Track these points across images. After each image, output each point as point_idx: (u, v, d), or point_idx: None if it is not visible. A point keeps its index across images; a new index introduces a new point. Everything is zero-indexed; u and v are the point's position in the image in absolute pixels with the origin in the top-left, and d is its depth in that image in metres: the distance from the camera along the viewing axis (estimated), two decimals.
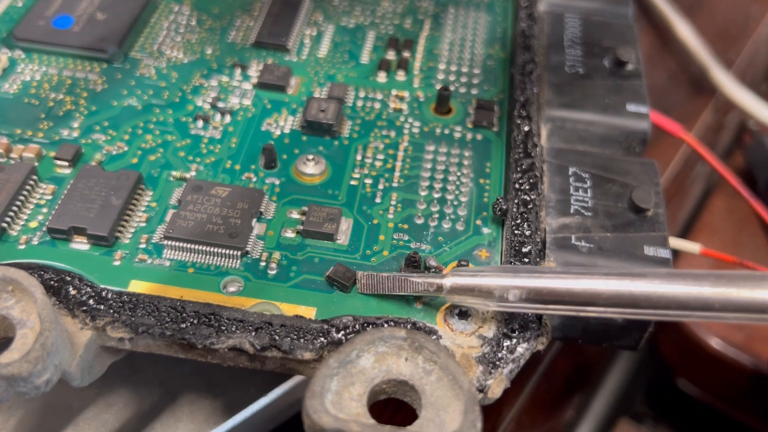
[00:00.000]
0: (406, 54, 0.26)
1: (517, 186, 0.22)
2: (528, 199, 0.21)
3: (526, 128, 0.23)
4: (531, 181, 0.22)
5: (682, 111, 0.35)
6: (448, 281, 0.18)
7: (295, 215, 0.21)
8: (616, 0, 0.29)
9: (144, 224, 0.20)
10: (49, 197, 0.21)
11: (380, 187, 0.22)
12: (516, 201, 0.21)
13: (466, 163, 0.23)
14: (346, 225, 0.21)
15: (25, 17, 0.26)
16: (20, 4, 0.27)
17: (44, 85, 0.24)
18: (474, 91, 0.25)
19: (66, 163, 0.21)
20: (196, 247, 0.20)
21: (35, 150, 0.22)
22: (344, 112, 0.24)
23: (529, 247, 0.20)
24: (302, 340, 0.18)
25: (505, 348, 0.19)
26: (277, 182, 0.22)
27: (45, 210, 0.20)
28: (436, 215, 0.21)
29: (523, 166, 0.22)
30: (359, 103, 0.25)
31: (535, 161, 0.22)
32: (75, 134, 0.23)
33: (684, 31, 0.37)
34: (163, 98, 0.24)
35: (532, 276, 0.18)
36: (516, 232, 0.21)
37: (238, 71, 0.25)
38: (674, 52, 0.37)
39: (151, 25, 0.26)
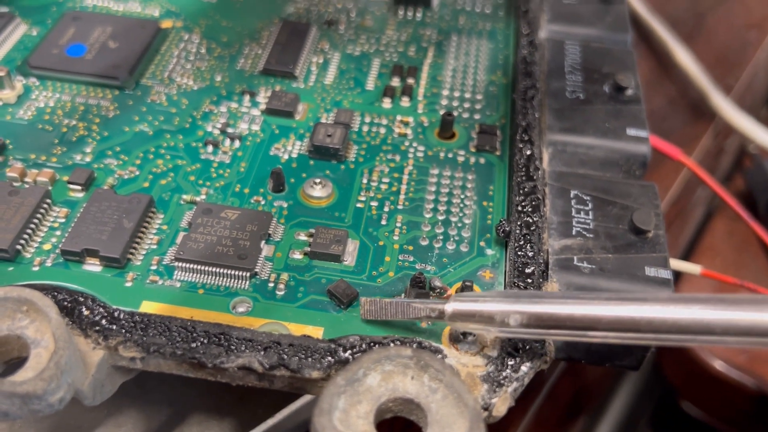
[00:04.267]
0: (410, 81, 0.27)
1: (519, 208, 0.22)
2: (530, 221, 0.22)
3: (528, 152, 0.24)
4: (533, 203, 0.22)
5: (683, 135, 0.36)
6: (449, 307, 0.18)
7: (302, 237, 0.22)
8: (615, 27, 0.30)
9: (155, 246, 0.21)
10: (63, 220, 0.21)
11: (386, 209, 0.23)
12: (519, 223, 0.22)
13: (469, 186, 0.23)
14: (352, 246, 0.21)
15: (40, 46, 0.26)
16: (35, 33, 0.28)
17: (58, 112, 0.25)
18: (477, 116, 0.26)
19: (79, 187, 0.22)
20: (206, 268, 0.20)
21: (49, 174, 0.22)
22: (350, 137, 0.25)
23: (531, 268, 0.21)
24: (310, 359, 0.18)
25: (509, 367, 0.19)
26: (285, 205, 0.22)
27: (58, 232, 0.21)
28: (441, 237, 0.22)
29: (526, 189, 0.23)
30: (365, 128, 0.25)
31: (537, 184, 0.23)
32: (88, 159, 0.23)
33: (683, 57, 0.38)
34: (173, 124, 0.25)
35: (533, 302, 0.18)
36: (519, 253, 0.21)
37: (246, 98, 0.26)
38: (674, 77, 0.38)
39: (162, 53, 0.27)
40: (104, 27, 0.27)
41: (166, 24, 0.28)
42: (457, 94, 0.27)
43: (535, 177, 0.23)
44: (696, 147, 0.36)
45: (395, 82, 0.27)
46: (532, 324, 0.18)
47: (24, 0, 0.29)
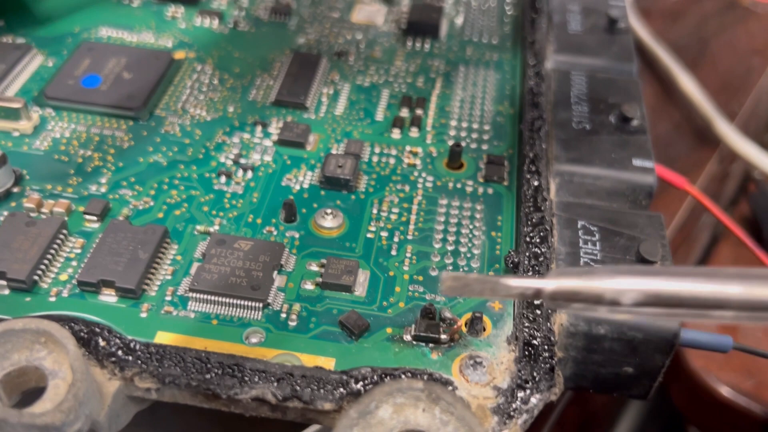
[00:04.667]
0: (419, 111, 0.27)
1: (528, 239, 0.22)
2: (539, 252, 0.22)
3: (536, 183, 0.24)
4: (541, 234, 0.22)
5: (688, 161, 0.36)
6: (551, 285, 0.16)
7: (314, 267, 0.22)
8: (621, 57, 0.31)
9: (170, 277, 0.21)
10: (79, 251, 0.22)
11: (396, 239, 0.23)
12: (527, 254, 0.22)
13: (478, 216, 0.24)
14: (363, 277, 0.22)
15: (56, 77, 0.27)
16: (51, 64, 0.28)
17: (73, 142, 0.25)
18: (485, 147, 0.26)
19: (95, 218, 0.22)
20: (220, 299, 0.21)
21: (65, 205, 0.23)
22: (360, 168, 0.25)
23: (541, 300, 0.21)
24: (322, 391, 0.19)
25: (519, 399, 0.19)
26: (297, 236, 0.23)
27: (74, 263, 0.21)
28: (450, 267, 0.22)
29: (534, 220, 0.23)
30: (375, 159, 0.26)
31: (545, 215, 0.23)
32: (103, 190, 0.24)
33: (687, 83, 0.38)
34: (187, 155, 0.25)
35: (650, 276, 0.16)
36: None
37: (259, 128, 0.26)
38: (678, 103, 0.39)
39: (175, 84, 0.28)
40: (119, 58, 0.28)
41: (180, 55, 0.29)
42: (465, 124, 0.27)
43: (542, 208, 0.23)
44: (701, 173, 0.36)
45: (404, 112, 0.27)
46: (649, 302, 0.16)
47: (40, 31, 0.30)
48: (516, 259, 0.22)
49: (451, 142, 0.26)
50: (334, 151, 0.26)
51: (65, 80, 0.27)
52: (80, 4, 0.31)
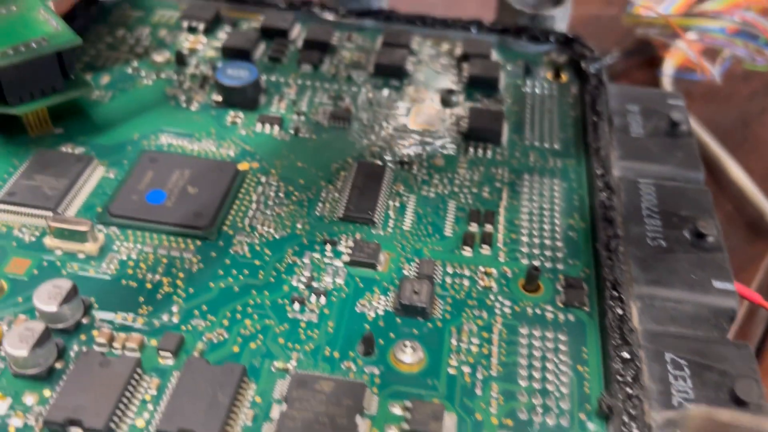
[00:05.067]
0: (488, 227, 0.27)
1: (619, 378, 0.22)
2: (631, 392, 0.21)
3: (620, 311, 0.24)
4: (632, 372, 0.22)
5: (743, 254, 0.35)
6: None
7: (397, 410, 0.21)
8: (687, 164, 0.30)
9: (250, 423, 0.20)
10: (154, 392, 0.21)
11: (479, 376, 0.22)
12: (620, 395, 0.21)
13: (562, 348, 0.23)
14: (450, 421, 0.21)
15: (119, 192, 0.27)
16: (112, 175, 0.28)
17: (141, 265, 0.25)
18: (560, 266, 0.26)
19: (169, 354, 0.22)
20: None
21: (138, 340, 0.22)
22: (434, 290, 0.24)
23: None
24: None
25: None
26: (377, 372, 0.22)
27: (150, 406, 0.21)
28: (540, 409, 0.21)
29: (623, 355, 0.22)
30: (448, 280, 0.25)
31: (634, 348, 0.22)
32: (175, 320, 0.23)
33: (736, 171, 0.38)
34: (258, 278, 0.24)
35: None
36: (623, 429, 0.20)
37: (328, 247, 0.26)
38: (729, 193, 0.38)
39: (241, 198, 0.27)
40: (182, 170, 0.28)
41: (243, 166, 0.28)
42: (536, 240, 0.27)
43: (630, 341, 0.23)
44: (758, 266, 0.35)
45: (473, 227, 0.27)
46: None
47: (99, 138, 0.29)
48: (610, 404, 0.21)
49: (524, 261, 0.26)
50: (406, 272, 0.25)
51: (129, 195, 0.27)
52: (139, 110, 0.31)
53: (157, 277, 0.24)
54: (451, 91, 0.33)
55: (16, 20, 0.28)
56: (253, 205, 0.27)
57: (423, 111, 0.32)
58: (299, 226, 0.27)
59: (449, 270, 0.25)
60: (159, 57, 0.34)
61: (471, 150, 0.30)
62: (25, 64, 0.27)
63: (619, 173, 0.30)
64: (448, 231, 0.27)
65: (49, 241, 0.25)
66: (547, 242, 0.27)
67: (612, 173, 0.29)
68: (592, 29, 0.44)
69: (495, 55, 0.36)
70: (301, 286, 0.24)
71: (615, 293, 0.24)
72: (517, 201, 0.28)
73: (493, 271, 0.25)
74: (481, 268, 0.25)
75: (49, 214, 0.26)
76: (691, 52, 0.42)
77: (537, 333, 0.23)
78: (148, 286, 0.24)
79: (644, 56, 0.50)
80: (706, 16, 0.46)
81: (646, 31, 0.45)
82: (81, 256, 0.25)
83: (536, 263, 0.26)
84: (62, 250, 0.25)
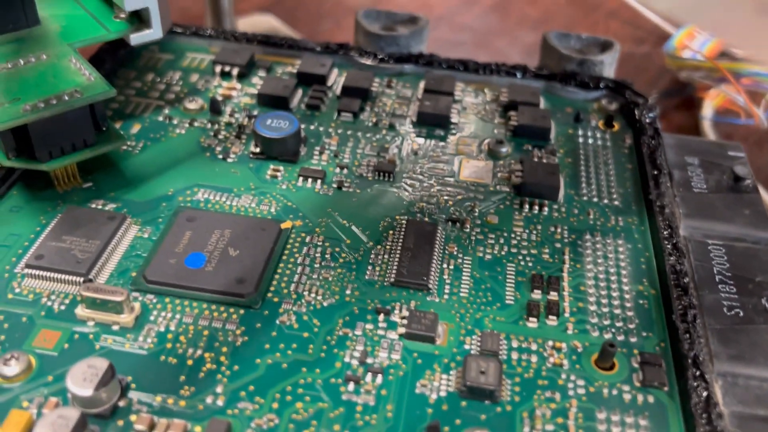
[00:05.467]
0: (552, 294, 0.25)
1: None
2: None
3: (704, 393, 0.21)
4: None
5: None
6: None
7: None
8: (755, 223, 0.28)
9: None
10: None
11: None
12: None
13: None
14: None
15: (156, 256, 0.25)
16: (146, 235, 0.26)
17: (180, 338, 0.23)
18: (632, 339, 0.24)
19: None
20: None
21: (181, 427, 0.20)
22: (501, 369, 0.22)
23: None
24: None
25: None
26: None
27: None
28: None
29: None
30: (514, 356, 0.23)
31: None
32: (220, 402, 0.21)
33: None
34: (308, 353, 0.22)
35: None
36: None
37: (381, 317, 0.24)
38: None
39: (285, 260, 0.25)
40: (222, 230, 0.26)
41: (286, 224, 0.27)
42: (605, 309, 0.25)
43: (719, 427, 0.21)
44: None
45: (536, 294, 0.25)
46: None
47: (132, 193, 0.28)
48: None
49: (594, 333, 0.24)
50: (467, 346, 0.23)
51: (166, 259, 0.25)
52: (172, 162, 0.29)
53: (199, 351, 0.22)
54: (499, 142, 0.31)
55: (47, 70, 0.26)
56: (299, 269, 0.25)
57: (471, 163, 0.30)
58: (348, 292, 0.25)
59: (514, 344, 0.23)
60: (191, 104, 0.32)
61: (526, 206, 0.28)
62: (56, 117, 0.25)
63: (685, 233, 0.28)
64: (509, 299, 0.25)
65: (80, 311, 0.23)
66: (617, 311, 0.25)
67: (679, 233, 0.27)
68: (625, 69, 0.42)
69: (543, 103, 0.34)
70: (355, 363, 0.22)
71: (696, 371, 0.22)
72: (580, 264, 0.26)
73: (563, 345, 0.23)
74: (550, 342, 0.23)
75: (80, 280, 0.24)
76: (741, 96, 0.41)
77: (615, 418, 0.21)
78: (189, 362, 0.22)
79: (681, 97, 0.49)
80: (752, 61, 0.44)
81: (690, 74, 0.44)
82: (116, 327, 0.23)
83: (608, 336, 0.24)
84: (95, 321, 0.23)
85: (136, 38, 0.29)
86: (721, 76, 0.42)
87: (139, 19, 0.30)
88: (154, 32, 0.29)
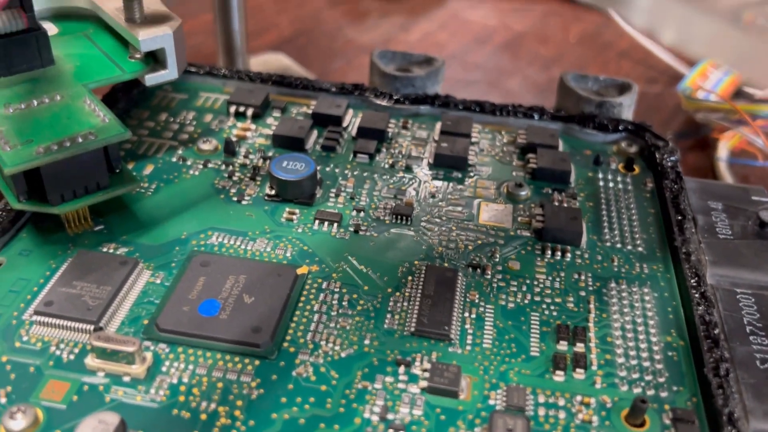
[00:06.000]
0: (579, 345, 0.24)
1: None
2: None
3: None
4: None
5: None
6: None
7: None
8: None
9: None
10: None
11: None
12: None
13: None
14: None
15: (168, 303, 0.24)
16: (159, 280, 0.25)
17: (194, 391, 0.22)
18: (663, 394, 0.23)
19: None
20: None
21: None
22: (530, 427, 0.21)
23: None
24: None
25: None
26: None
27: None
28: None
29: None
30: (541, 412, 0.22)
31: None
32: None
33: None
34: (326, 408, 0.21)
35: None
36: None
37: (401, 369, 0.23)
38: None
39: (301, 307, 0.25)
40: (237, 275, 0.25)
41: (302, 270, 0.26)
42: (633, 361, 0.24)
43: None
44: None
45: (562, 345, 0.24)
46: None
47: (144, 237, 0.27)
48: None
49: (623, 387, 0.23)
50: (492, 400, 0.22)
51: (179, 306, 0.24)
52: (186, 204, 0.28)
53: (213, 405, 0.21)
54: (518, 185, 0.31)
55: (61, 110, 0.26)
56: (315, 317, 0.24)
57: (490, 206, 0.30)
58: (367, 342, 0.24)
59: (541, 399, 0.22)
60: (205, 145, 0.31)
61: (548, 252, 0.28)
62: (69, 160, 0.24)
63: (712, 281, 0.27)
64: (534, 350, 0.24)
65: (90, 360, 0.22)
66: (646, 364, 0.24)
67: (706, 282, 0.26)
68: (638, 109, 0.42)
69: (561, 145, 0.33)
70: (375, 419, 0.21)
71: (733, 429, 0.21)
72: (606, 314, 0.25)
73: (591, 400, 0.22)
74: (578, 397, 0.22)
75: (91, 328, 0.23)
76: (759, 138, 0.40)
77: None
78: (203, 417, 0.21)
79: (695, 138, 0.48)
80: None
81: (707, 116, 0.43)
82: (127, 379, 0.22)
83: (637, 390, 0.23)
84: (105, 372, 0.22)
85: (151, 79, 0.29)
86: (738, 118, 0.42)
87: (154, 59, 0.30)
88: (169, 73, 0.29)
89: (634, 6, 0.18)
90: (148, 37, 0.28)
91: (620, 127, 0.34)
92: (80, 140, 0.24)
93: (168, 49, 0.29)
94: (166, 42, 0.28)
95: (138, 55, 0.29)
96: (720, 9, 0.53)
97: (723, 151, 0.46)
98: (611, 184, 0.32)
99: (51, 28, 0.31)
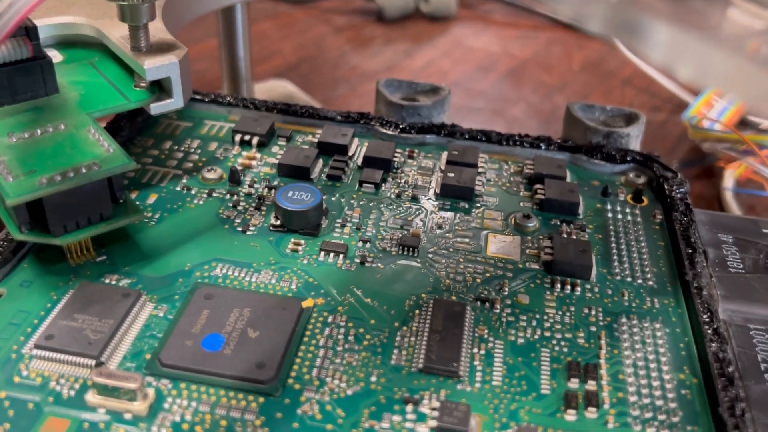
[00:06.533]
0: (590, 383, 0.23)
1: None
2: None
3: None
4: None
5: None
6: None
7: None
8: None
9: None
10: None
11: None
12: None
13: None
14: None
15: (171, 337, 0.23)
16: (162, 313, 0.25)
17: (196, 428, 0.21)
18: None
19: None
20: None
21: None
22: None
23: None
24: None
25: None
26: None
27: None
28: None
29: None
30: None
31: None
32: None
33: None
34: None
35: None
36: None
37: (409, 407, 0.22)
38: None
39: (306, 342, 0.24)
40: (241, 308, 0.25)
41: (308, 303, 0.25)
42: (646, 399, 0.23)
43: None
44: None
45: (573, 383, 0.23)
46: None
47: (146, 267, 0.27)
48: None
49: (637, 427, 0.22)
50: None
51: (182, 341, 0.23)
52: (190, 234, 0.28)
53: None
54: (526, 216, 0.30)
55: (65, 140, 0.25)
56: (321, 352, 0.24)
57: (497, 238, 0.29)
58: (374, 378, 0.23)
59: None
60: (210, 174, 0.31)
61: (557, 285, 0.27)
62: (72, 190, 0.24)
63: (724, 316, 0.27)
64: (545, 388, 0.23)
65: (91, 397, 0.21)
66: (659, 402, 0.23)
67: (718, 317, 0.26)
68: (643, 137, 0.42)
69: (569, 176, 0.33)
70: None
71: None
72: (618, 350, 0.25)
73: None
74: None
75: (92, 363, 0.22)
76: (767, 168, 0.40)
77: None
78: None
79: (700, 166, 0.48)
80: None
81: (713, 146, 0.43)
82: (128, 416, 0.21)
83: (651, 431, 0.22)
84: (106, 408, 0.21)
85: (157, 108, 0.29)
86: (745, 148, 0.41)
87: (159, 87, 0.29)
88: (174, 102, 0.29)
89: (650, 41, 0.18)
90: (153, 66, 0.28)
91: (628, 158, 0.34)
92: (84, 171, 0.24)
93: (174, 78, 0.28)
94: (172, 71, 0.28)
95: (143, 84, 0.29)
96: (724, 37, 0.54)
97: (729, 180, 0.46)
98: (620, 216, 0.31)
99: (56, 56, 0.31)
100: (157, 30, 0.30)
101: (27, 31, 0.27)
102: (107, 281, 0.26)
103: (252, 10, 0.46)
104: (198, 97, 0.36)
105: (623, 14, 0.17)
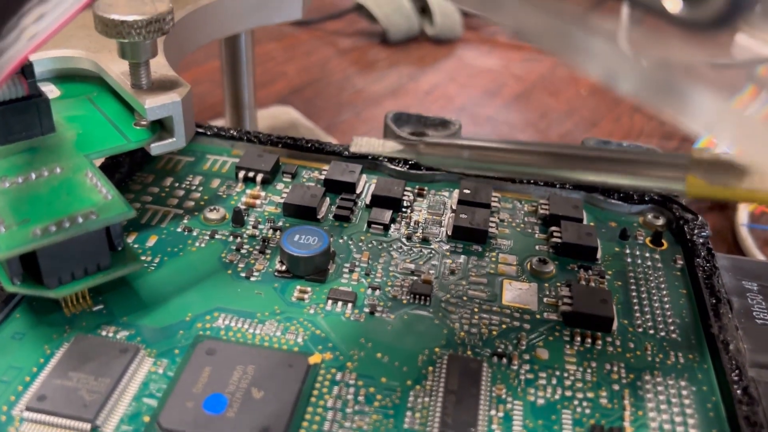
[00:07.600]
0: None
1: None
2: None
3: None
4: None
5: None
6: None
7: None
8: None
9: None
10: None
11: None
12: None
13: None
14: None
15: (171, 397, 0.22)
16: (161, 370, 0.23)
17: None
18: None
19: None
20: None
21: None
22: None
23: None
24: None
25: None
26: None
27: None
28: None
29: None
30: None
31: None
32: None
33: None
34: None
35: None
36: None
37: None
38: None
39: (314, 402, 0.23)
40: (245, 366, 0.23)
41: (315, 358, 0.24)
42: None
43: None
44: None
45: None
46: None
47: (145, 318, 0.25)
48: None
49: None
50: None
51: (183, 402, 0.22)
52: (191, 281, 0.27)
53: None
54: (543, 261, 0.29)
55: (61, 185, 0.24)
56: (329, 414, 0.23)
57: (513, 285, 0.28)
58: None
59: None
60: (212, 214, 0.30)
61: (577, 338, 0.26)
62: (68, 241, 0.23)
63: (752, 373, 0.25)
64: None
65: None
66: None
67: (747, 375, 0.25)
68: None
69: (586, 217, 0.32)
70: None
71: None
72: (642, 411, 0.24)
73: None
74: None
75: (87, 427, 0.21)
76: None
77: None
78: None
79: (713, 200, 0.47)
80: None
81: None
82: None
83: None
84: None
85: (157, 148, 0.28)
86: None
87: (161, 125, 0.28)
88: (176, 142, 0.28)
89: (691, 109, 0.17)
90: (155, 105, 0.27)
91: (646, 198, 0.32)
92: (80, 220, 0.23)
93: (176, 117, 0.27)
94: (174, 110, 0.27)
95: (144, 122, 0.28)
96: (735, 64, 0.53)
97: (743, 214, 0.45)
98: (639, 260, 0.30)
99: (53, 90, 0.30)
100: (159, 66, 0.29)
101: (22, 69, 0.25)
102: (104, 333, 0.24)
103: (256, 31, 0.45)
104: (200, 130, 0.34)
105: (659, 77, 0.16)
